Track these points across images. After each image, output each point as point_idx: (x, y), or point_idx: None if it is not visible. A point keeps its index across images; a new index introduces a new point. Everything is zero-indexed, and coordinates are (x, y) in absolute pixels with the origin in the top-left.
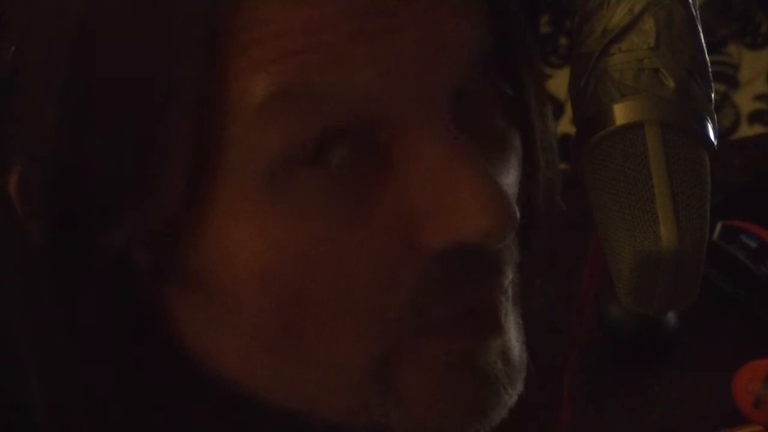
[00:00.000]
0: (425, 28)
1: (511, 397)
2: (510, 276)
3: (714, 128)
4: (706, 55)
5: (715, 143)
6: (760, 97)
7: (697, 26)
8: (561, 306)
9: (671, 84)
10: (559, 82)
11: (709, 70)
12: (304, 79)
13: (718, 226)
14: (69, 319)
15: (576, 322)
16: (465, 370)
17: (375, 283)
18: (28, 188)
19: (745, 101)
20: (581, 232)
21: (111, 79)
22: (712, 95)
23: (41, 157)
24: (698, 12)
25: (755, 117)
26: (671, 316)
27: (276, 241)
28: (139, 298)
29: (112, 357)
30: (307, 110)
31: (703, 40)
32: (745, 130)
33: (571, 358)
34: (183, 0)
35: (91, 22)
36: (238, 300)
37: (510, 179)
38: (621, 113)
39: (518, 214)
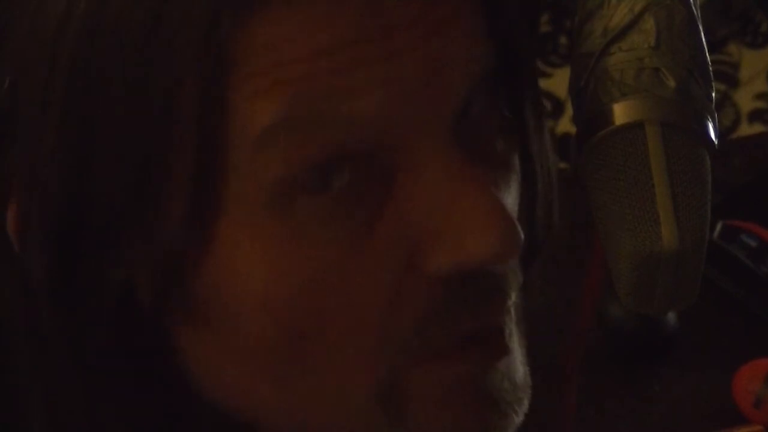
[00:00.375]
0: (427, 52)
1: (518, 417)
2: (514, 297)
3: (715, 128)
4: (707, 54)
5: (716, 143)
6: (760, 96)
7: (698, 26)
8: (561, 306)
9: (672, 83)
10: (559, 81)
11: (710, 69)
12: (306, 107)
13: (719, 226)
14: (72, 347)
15: (577, 322)
16: (472, 392)
17: (378, 306)
18: (28, 221)
19: (745, 100)
20: (582, 231)
21: (109, 108)
22: (713, 95)
23: (41, 189)
24: (699, 11)
25: (755, 116)
26: (671, 316)
27: (279, 267)
28: (142, 325)
29: (114, 383)
30: (308, 137)
31: (703, 40)
32: (746, 129)
33: (573, 359)
34: (183, 28)
35: (87, 50)
36: (241, 326)
37: (512, 200)
38: (621, 113)
39: (522, 236)
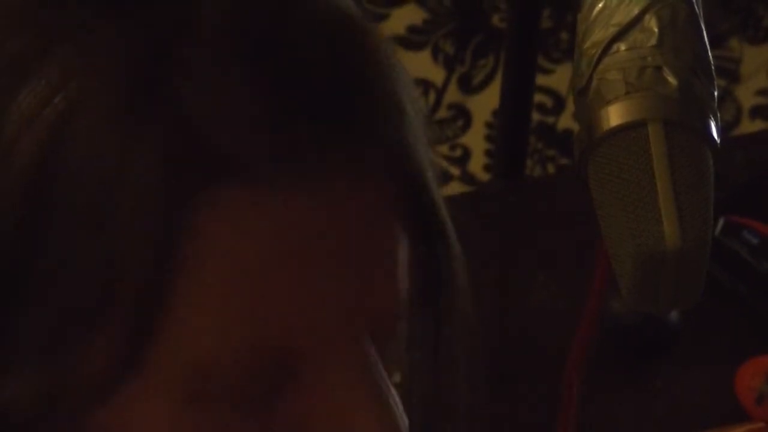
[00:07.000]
0: (356, 269)
1: None
2: None
3: (717, 126)
4: (710, 53)
5: (718, 141)
6: (761, 92)
7: (700, 24)
8: (562, 301)
9: (674, 82)
10: (560, 77)
11: (712, 67)
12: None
13: (720, 222)
14: None
15: (581, 321)
16: None
17: None
18: None
19: (746, 96)
20: (583, 227)
21: (52, 252)
22: (715, 93)
23: None
24: (701, 9)
25: (757, 112)
26: (673, 313)
27: None
28: None
29: None
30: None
31: (706, 38)
32: (747, 125)
33: (577, 359)
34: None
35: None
36: None
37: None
38: (624, 111)
39: None
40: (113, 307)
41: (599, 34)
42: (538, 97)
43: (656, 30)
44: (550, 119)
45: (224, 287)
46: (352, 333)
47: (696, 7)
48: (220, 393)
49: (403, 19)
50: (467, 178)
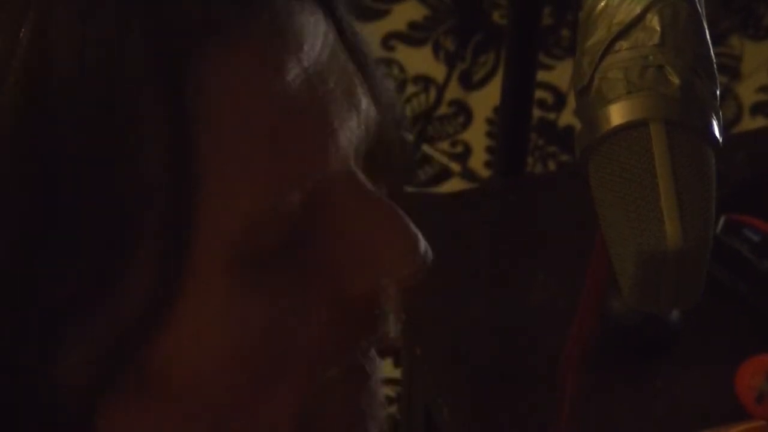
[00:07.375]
0: (345, 93)
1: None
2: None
3: (719, 125)
4: (712, 52)
5: (720, 140)
6: (762, 89)
7: (702, 23)
8: (562, 301)
9: (676, 81)
10: (561, 74)
11: (714, 66)
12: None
13: (721, 220)
14: None
15: (579, 320)
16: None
17: (311, 340)
18: None
19: (747, 93)
20: (583, 227)
21: (66, 160)
22: (717, 92)
23: None
24: (703, 9)
25: (758, 109)
26: (674, 312)
27: (244, 323)
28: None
29: None
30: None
31: (708, 38)
32: (748, 123)
33: (574, 356)
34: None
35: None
36: (194, 390)
37: None
38: (625, 111)
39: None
40: (148, 204)
41: (601, 33)
42: (539, 94)
43: (658, 29)
44: (551, 116)
45: (245, 146)
46: (360, 160)
47: (698, 5)
48: (265, 254)
49: (403, 15)
50: (468, 174)
